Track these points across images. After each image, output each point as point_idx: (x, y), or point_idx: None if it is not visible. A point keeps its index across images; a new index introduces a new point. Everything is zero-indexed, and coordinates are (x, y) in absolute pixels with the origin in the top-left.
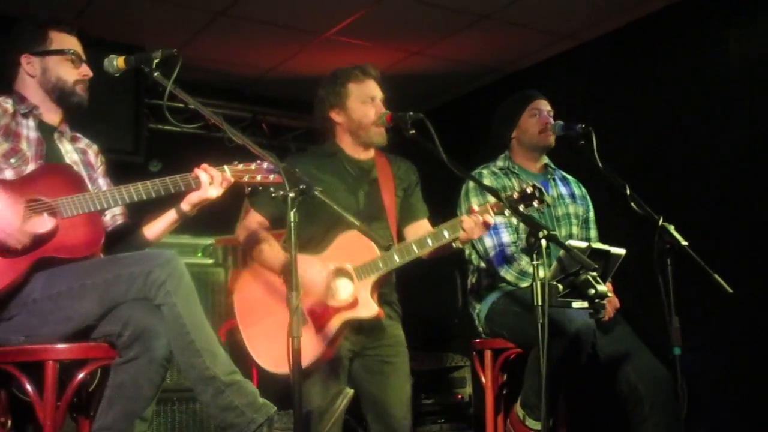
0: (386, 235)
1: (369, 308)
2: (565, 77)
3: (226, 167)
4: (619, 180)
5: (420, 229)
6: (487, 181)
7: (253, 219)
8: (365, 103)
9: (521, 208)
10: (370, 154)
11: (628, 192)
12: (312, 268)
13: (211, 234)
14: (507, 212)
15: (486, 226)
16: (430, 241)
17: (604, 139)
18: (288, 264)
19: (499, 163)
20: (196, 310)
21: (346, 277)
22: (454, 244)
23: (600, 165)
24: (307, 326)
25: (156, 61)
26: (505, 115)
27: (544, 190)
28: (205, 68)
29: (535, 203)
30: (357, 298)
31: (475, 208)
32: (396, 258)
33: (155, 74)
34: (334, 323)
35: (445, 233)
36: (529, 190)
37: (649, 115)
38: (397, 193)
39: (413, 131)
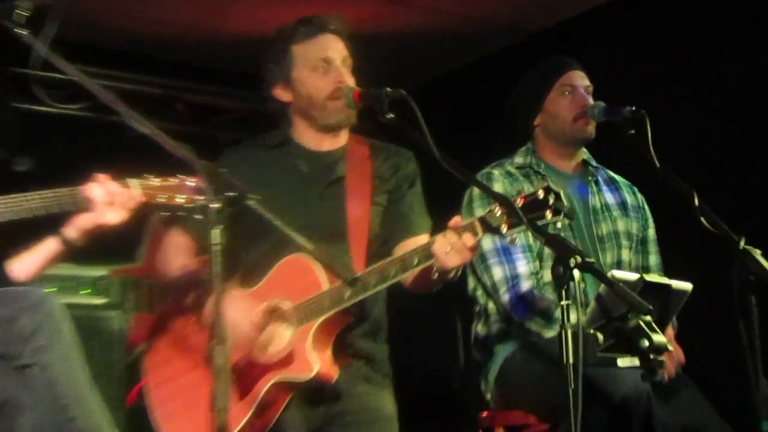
0: (344, 260)
1: (304, 366)
2: (605, 41)
3: (133, 181)
4: (684, 185)
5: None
6: (498, 186)
7: (174, 239)
8: (315, 69)
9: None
10: (339, 141)
11: (696, 202)
12: (236, 308)
13: (103, 263)
14: (522, 230)
15: (471, 250)
16: (393, 271)
17: (661, 127)
18: (207, 303)
19: (518, 159)
20: (79, 373)
21: (283, 320)
22: (437, 275)
23: (656, 163)
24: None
25: (22, 12)
26: (525, 94)
27: (561, 196)
28: (96, 25)
29: (547, 214)
30: (292, 352)
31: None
32: (349, 293)
33: (21, 32)
34: (261, 386)
35: (414, 260)
36: (539, 194)
37: (722, 93)
38: (375, 199)
39: (391, 115)
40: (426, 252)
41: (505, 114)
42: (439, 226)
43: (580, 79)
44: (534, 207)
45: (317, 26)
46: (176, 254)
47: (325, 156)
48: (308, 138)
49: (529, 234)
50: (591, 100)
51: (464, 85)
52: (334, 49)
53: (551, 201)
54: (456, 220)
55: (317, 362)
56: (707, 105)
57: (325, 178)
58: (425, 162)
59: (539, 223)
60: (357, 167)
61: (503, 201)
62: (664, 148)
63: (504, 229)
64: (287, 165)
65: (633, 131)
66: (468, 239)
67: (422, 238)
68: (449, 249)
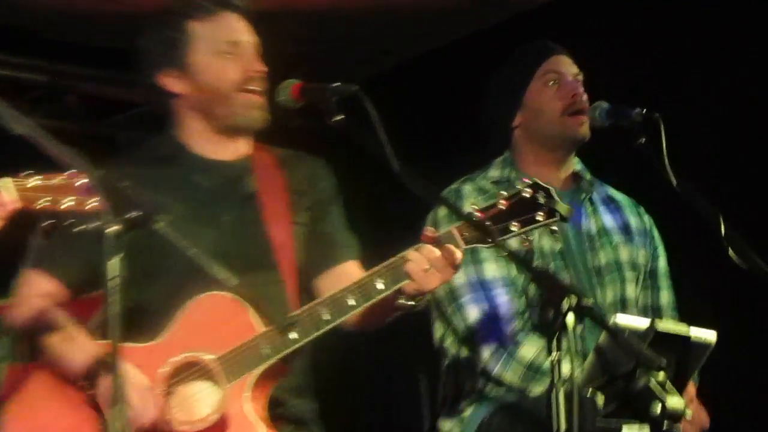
0: (278, 294)
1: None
2: (605, 24)
3: (5, 181)
4: (709, 206)
5: (345, 279)
6: (468, 204)
7: (36, 286)
8: (221, 54)
9: (516, 229)
10: (243, 149)
11: (723, 229)
12: (135, 369)
13: None
14: (521, 234)
15: (453, 265)
16: (352, 300)
17: (676, 133)
18: (97, 362)
19: (494, 172)
20: None
21: (204, 378)
22: (402, 301)
23: (673, 179)
24: None
25: None
26: (502, 86)
27: (553, 193)
28: None
29: (539, 217)
30: (225, 417)
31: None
32: (294, 335)
33: None
34: None
35: (379, 284)
36: (525, 193)
37: (752, 91)
38: (296, 218)
39: (340, 116)
40: (395, 272)
41: (478, 116)
42: (383, 256)
43: (567, 66)
44: (521, 210)
45: (223, 2)
46: (42, 305)
47: (228, 168)
48: (205, 144)
49: (511, 264)
50: (582, 90)
51: (424, 80)
52: (244, 30)
53: (542, 199)
54: (431, 231)
55: (262, 427)
56: (733, 106)
57: (233, 195)
58: (373, 178)
59: (531, 228)
60: (267, 181)
61: (475, 225)
62: (681, 159)
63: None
64: (184, 181)
65: (644, 139)
66: (451, 252)
67: (350, 267)
68: (428, 266)
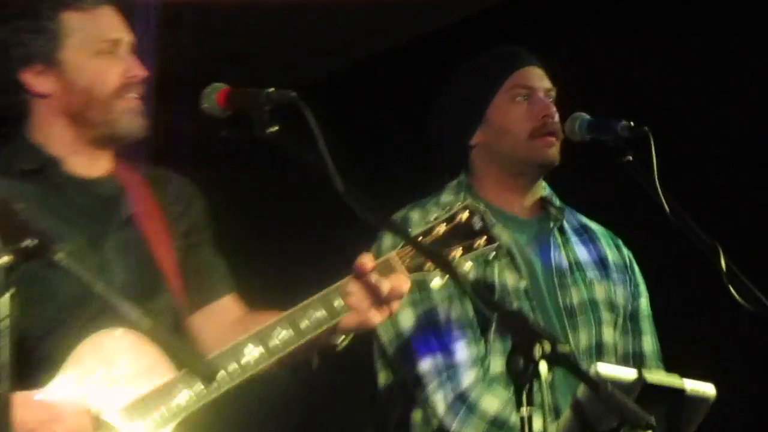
0: (176, 326)
1: None
2: (586, 23)
3: None
4: (705, 237)
5: (226, 317)
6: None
7: None
8: (99, 53)
9: (458, 256)
10: (109, 164)
11: (723, 265)
12: (23, 423)
13: None
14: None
15: (400, 297)
16: (283, 334)
17: (670, 150)
18: None
19: (447, 197)
20: None
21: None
22: (332, 341)
23: (665, 205)
24: None
25: None
26: (460, 97)
27: (488, 215)
28: None
29: (479, 244)
30: None
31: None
32: (216, 381)
33: None
34: None
35: (313, 318)
36: (461, 217)
37: (754, 101)
38: (174, 242)
39: (274, 127)
40: (332, 305)
41: (428, 131)
42: (286, 298)
43: (539, 79)
44: (457, 237)
45: None
46: None
47: (100, 185)
48: (75, 156)
49: (468, 303)
50: (554, 110)
51: (372, 88)
52: (124, 27)
53: (478, 225)
54: (368, 259)
55: None
56: (728, 118)
57: (111, 217)
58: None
59: (468, 256)
60: (142, 200)
61: (431, 254)
62: (673, 181)
63: (428, 266)
64: (55, 201)
65: (630, 157)
66: (399, 280)
67: (228, 303)
68: (371, 298)
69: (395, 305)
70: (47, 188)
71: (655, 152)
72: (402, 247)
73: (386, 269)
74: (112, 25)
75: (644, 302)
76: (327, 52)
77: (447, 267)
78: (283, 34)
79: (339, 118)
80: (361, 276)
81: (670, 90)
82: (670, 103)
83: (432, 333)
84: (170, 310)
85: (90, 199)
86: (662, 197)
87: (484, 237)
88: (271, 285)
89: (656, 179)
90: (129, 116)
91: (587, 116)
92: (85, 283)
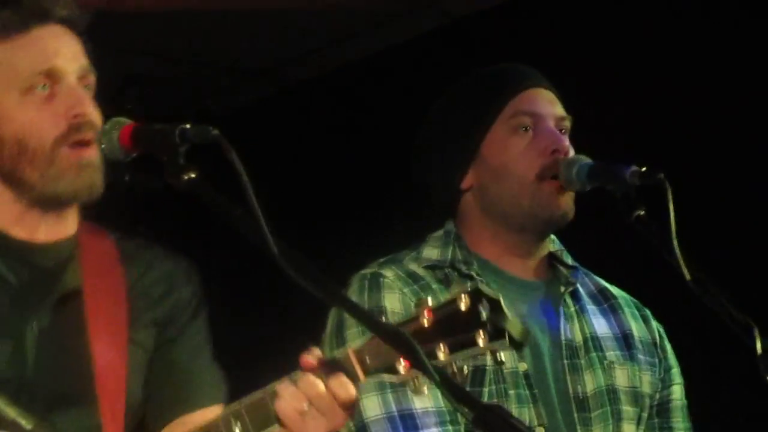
0: None
1: None
2: (587, 38)
3: None
4: (737, 312)
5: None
6: (392, 299)
7: None
8: (31, 90)
9: (443, 356)
10: (66, 227)
11: (758, 345)
12: None
13: None
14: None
15: (348, 407)
16: None
17: (691, 202)
18: None
19: (430, 251)
20: None
21: None
22: None
23: (685, 270)
24: None
25: None
26: (447, 127)
27: (502, 305)
28: None
29: (479, 340)
30: None
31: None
32: None
33: None
34: None
35: (234, 427)
36: (460, 303)
37: None
38: (135, 334)
39: (192, 174)
40: (259, 413)
41: (412, 170)
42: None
43: (547, 104)
44: (452, 329)
45: (31, 11)
46: None
47: (43, 253)
48: (13, 220)
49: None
50: (567, 144)
51: (324, 109)
52: (66, 54)
53: (484, 315)
54: (312, 356)
55: None
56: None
57: (46, 293)
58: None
59: (466, 354)
60: (97, 275)
61: (391, 336)
62: (694, 239)
63: (401, 366)
64: None
65: (642, 211)
66: (341, 386)
67: (213, 414)
68: (306, 406)
69: (339, 418)
70: None
71: (673, 204)
72: (371, 338)
73: (335, 369)
74: (45, 52)
75: (677, 390)
76: (261, 71)
77: (403, 349)
78: (198, 50)
79: (277, 154)
80: (301, 376)
81: (689, 128)
82: (690, 143)
83: (403, 427)
84: (88, 424)
85: (22, 271)
86: (681, 261)
87: (489, 331)
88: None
89: (674, 239)
90: (74, 171)
91: (587, 159)
92: None
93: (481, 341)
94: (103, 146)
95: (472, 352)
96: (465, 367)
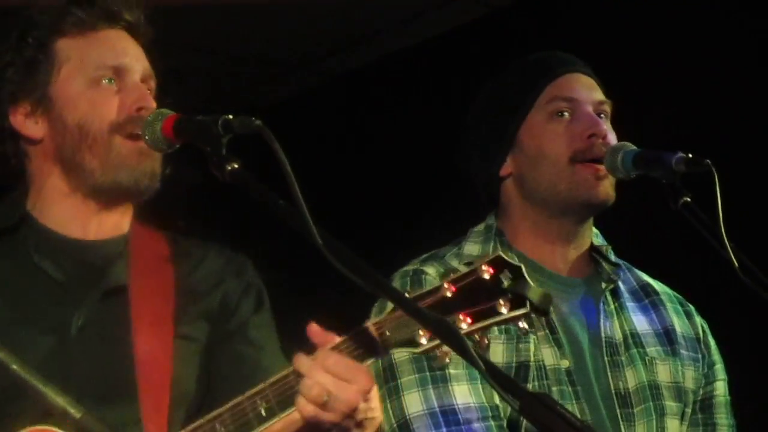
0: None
1: None
2: (630, 26)
3: None
4: None
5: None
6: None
7: None
8: (98, 83)
9: (465, 326)
10: (116, 225)
11: None
12: None
13: None
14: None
15: (366, 379)
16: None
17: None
18: None
19: (471, 248)
20: None
21: None
22: None
23: (734, 259)
24: None
25: None
26: (485, 116)
27: (524, 272)
28: None
29: (502, 308)
30: None
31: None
32: None
33: None
34: None
35: (259, 410)
36: (483, 272)
37: None
38: (182, 329)
39: (235, 165)
40: (284, 393)
41: (455, 159)
42: None
43: (585, 89)
44: (475, 298)
45: (103, 13)
46: None
47: (90, 250)
48: (62, 213)
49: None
50: (605, 128)
51: (369, 100)
52: (133, 54)
53: (505, 283)
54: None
55: None
56: None
57: (91, 288)
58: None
59: (490, 322)
60: (147, 272)
61: (436, 325)
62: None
63: (423, 338)
64: (21, 266)
65: (688, 198)
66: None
67: None
68: (330, 390)
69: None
70: (14, 250)
71: (721, 192)
72: (391, 311)
73: (353, 345)
74: (115, 50)
75: (721, 386)
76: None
77: (446, 338)
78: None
79: (322, 147)
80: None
81: (737, 114)
82: (737, 130)
83: (444, 423)
84: (130, 419)
85: (67, 266)
86: (729, 250)
87: (511, 299)
88: None
89: (722, 227)
90: (135, 159)
91: (633, 147)
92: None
93: (504, 309)
94: (146, 137)
95: (496, 320)
96: (486, 339)
